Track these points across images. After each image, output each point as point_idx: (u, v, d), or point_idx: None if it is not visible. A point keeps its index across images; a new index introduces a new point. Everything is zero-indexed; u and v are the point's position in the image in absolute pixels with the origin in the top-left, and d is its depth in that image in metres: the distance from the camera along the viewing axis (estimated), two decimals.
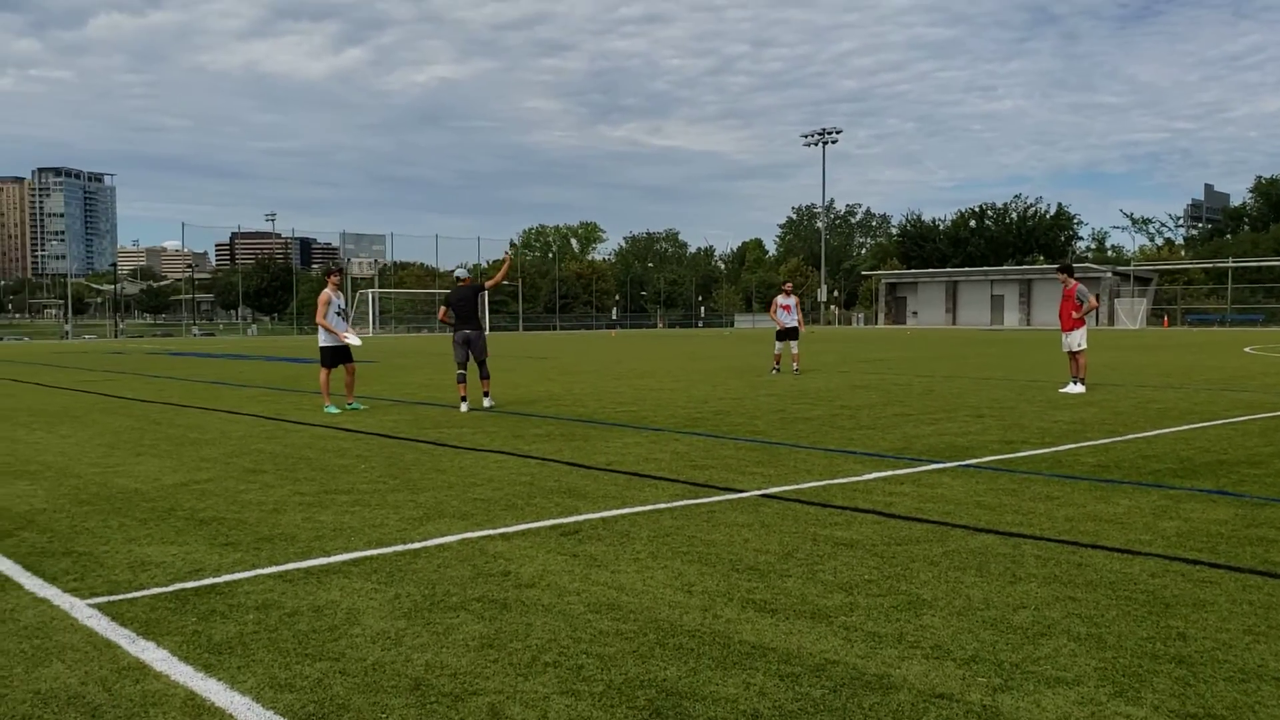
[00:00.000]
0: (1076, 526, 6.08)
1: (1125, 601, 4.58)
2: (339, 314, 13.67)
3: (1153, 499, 6.92)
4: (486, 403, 13.51)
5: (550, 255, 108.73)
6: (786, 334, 20.51)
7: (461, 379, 13.45)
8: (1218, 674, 3.72)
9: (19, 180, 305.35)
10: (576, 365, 24.78)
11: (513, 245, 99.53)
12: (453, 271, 14.76)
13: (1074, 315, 15.66)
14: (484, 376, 13.62)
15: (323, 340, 13.58)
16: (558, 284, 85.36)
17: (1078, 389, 15.19)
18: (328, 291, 13.56)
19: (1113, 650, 3.97)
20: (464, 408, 13.25)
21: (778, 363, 20.70)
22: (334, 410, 13.09)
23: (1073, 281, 15.99)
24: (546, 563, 5.34)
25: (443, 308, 13.82)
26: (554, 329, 77.14)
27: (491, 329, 61.68)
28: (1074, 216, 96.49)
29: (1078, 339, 15.54)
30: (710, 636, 4.17)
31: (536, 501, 7.00)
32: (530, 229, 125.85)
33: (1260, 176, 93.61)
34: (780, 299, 20.72)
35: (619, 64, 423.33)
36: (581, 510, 6.68)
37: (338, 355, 13.55)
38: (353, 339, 13.72)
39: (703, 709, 3.45)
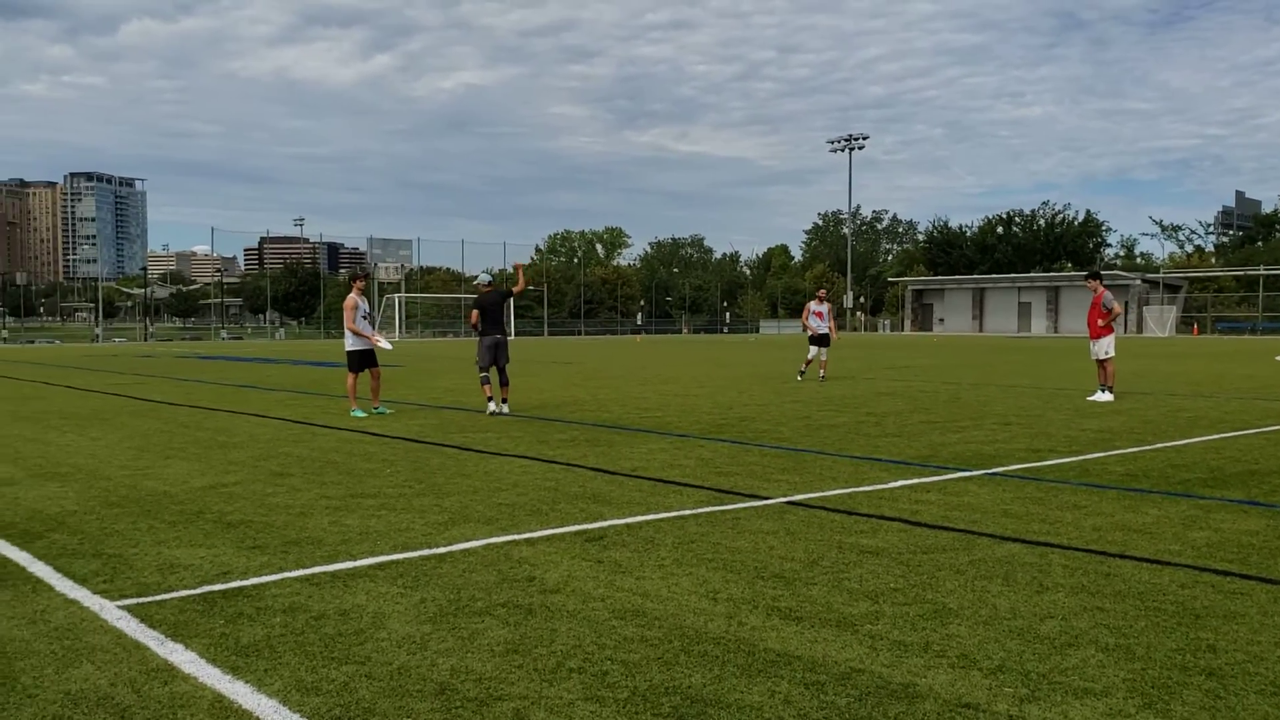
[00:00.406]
0: (1104, 536, 6.03)
1: (1154, 612, 4.54)
2: (365, 318, 13.78)
3: (1182, 509, 6.85)
4: (504, 409, 13.58)
5: (575, 260, 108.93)
6: (819, 340, 20.46)
7: (486, 380, 13.57)
8: (1248, 686, 3.68)
9: (51, 185, 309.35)
10: (601, 370, 24.81)
11: (532, 260, 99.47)
12: (475, 277, 14.89)
13: (1099, 323, 15.54)
14: (504, 383, 13.70)
15: (349, 345, 13.67)
16: (583, 289, 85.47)
17: (1106, 397, 15.06)
18: (353, 296, 13.65)
19: (1141, 661, 3.93)
20: (491, 408, 13.36)
21: (806, 366, 20.67)
22: (360, 414, 13.17)
23: (1101, 288, 15.86)
24: (571, 569, 5.35)
25: (474, 311, 13.93)
26: (579, 334, 77.27)
27: (516, 334, 61.85)
28: (1103, 223, 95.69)
29: (1105, 346, 15.40)
30: (735, 644, 4.16)
31: (561, 507, 7.02)
32: (556, 234, 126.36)
33: None
34: (813, 305, 20.67)
35: (645, 70, 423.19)
36: (606, 516, 6.69)
37: (364, 360, 13.65)
38: (384, 343, 13.83)
39: (727, 716, 3.44)
